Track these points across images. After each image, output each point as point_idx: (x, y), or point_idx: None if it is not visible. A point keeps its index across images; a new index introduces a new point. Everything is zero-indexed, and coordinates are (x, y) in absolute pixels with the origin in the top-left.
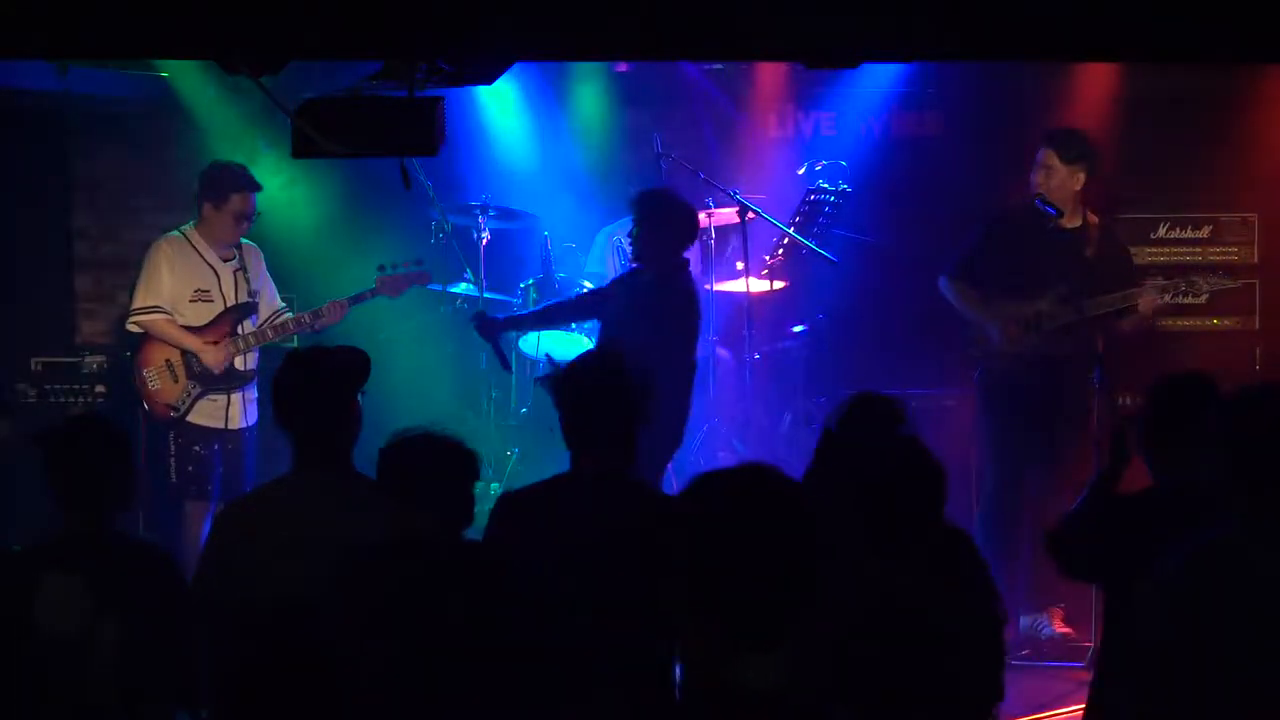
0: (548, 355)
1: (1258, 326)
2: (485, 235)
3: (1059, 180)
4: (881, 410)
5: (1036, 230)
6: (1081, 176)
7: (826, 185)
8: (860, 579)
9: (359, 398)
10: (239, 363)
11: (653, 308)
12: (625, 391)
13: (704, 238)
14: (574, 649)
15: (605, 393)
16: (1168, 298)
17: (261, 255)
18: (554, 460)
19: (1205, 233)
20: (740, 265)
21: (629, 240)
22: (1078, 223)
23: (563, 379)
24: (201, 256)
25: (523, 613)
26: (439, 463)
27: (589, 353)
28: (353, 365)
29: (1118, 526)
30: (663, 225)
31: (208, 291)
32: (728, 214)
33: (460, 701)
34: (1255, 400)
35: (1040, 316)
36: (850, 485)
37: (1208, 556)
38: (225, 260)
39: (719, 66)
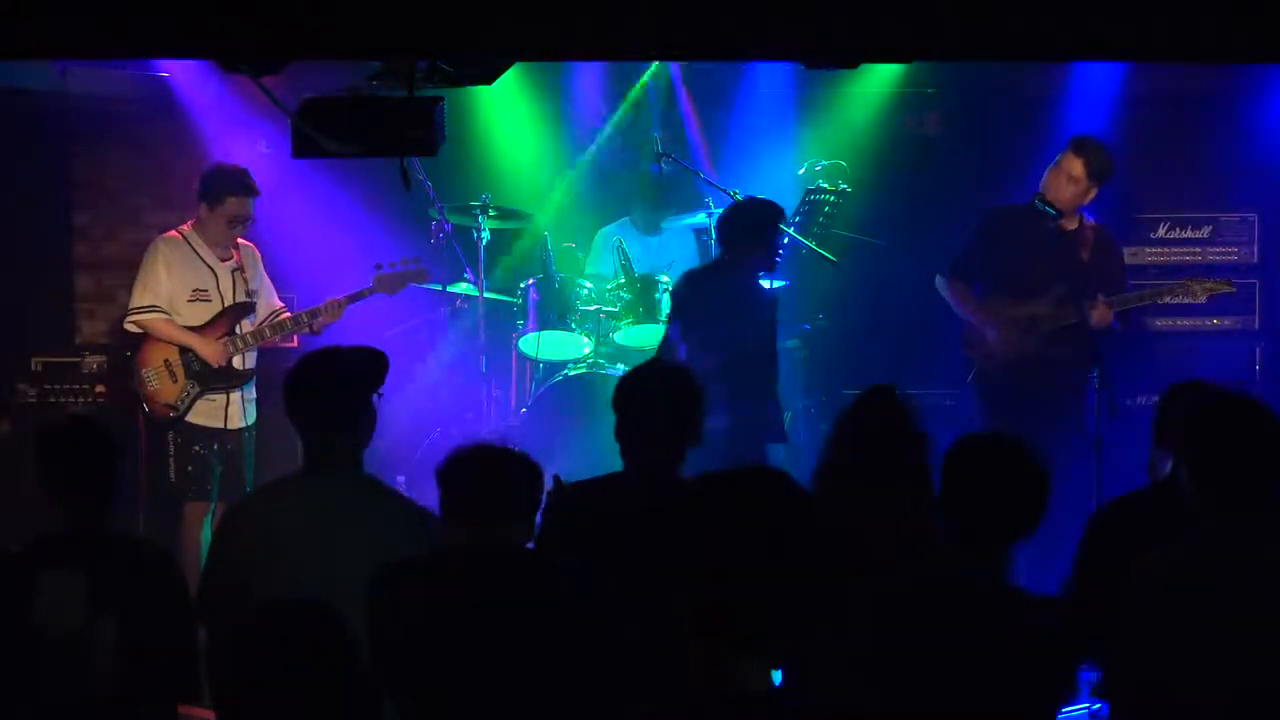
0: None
1: (1258, 326)
2: (485, 235)
3: (1079, 191)
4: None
5: (1033, 230)
6: (1095, 193)
7: (826, 185)
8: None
9: (375, 399)
10: (237, 362)
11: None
12: (681, 405)
13: (704, 237)
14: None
15: (662, 402)
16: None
17: (259, 255)
18: (554, 461)
19: (1205, 233)
20: None
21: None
22: (1074, 225)
23: (627, 383)
24: (199, 256)
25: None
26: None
27: (655, 361)
28: (369, 366)
29: (1108, 535)
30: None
31: (205, 291)
32: None
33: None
34: (1213, 403)
35: (1037, 319)
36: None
37: (1172, 561)
38: (223, 260)
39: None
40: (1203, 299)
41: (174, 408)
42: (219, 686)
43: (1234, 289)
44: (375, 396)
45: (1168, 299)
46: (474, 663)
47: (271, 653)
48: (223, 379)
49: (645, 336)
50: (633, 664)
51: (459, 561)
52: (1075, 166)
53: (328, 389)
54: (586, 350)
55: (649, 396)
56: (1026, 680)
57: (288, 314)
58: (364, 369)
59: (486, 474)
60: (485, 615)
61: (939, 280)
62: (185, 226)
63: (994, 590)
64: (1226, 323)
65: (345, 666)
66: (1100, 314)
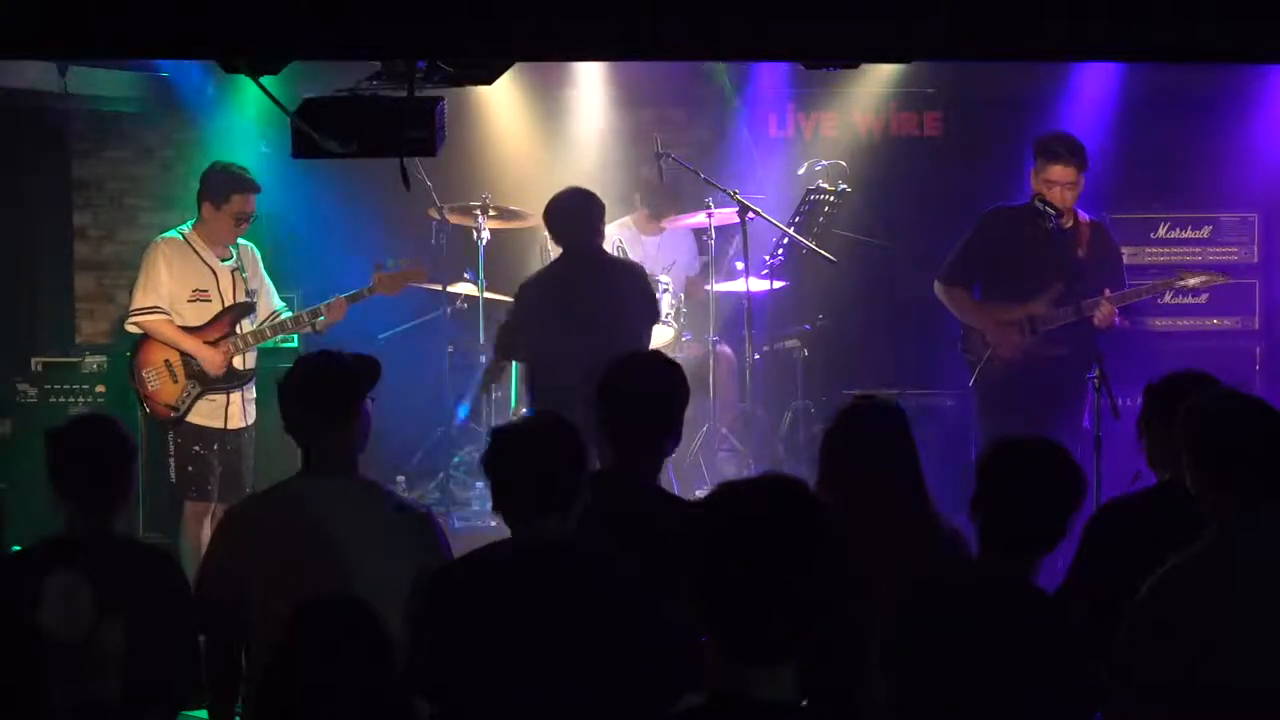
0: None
1: (1257, 326)
2: (485, 235)
3: (1078, 192)
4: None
5: (1027, 231)
6: (1073, 176)
7: (826, 185)
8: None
9: (368, 403)
10: (238, 362)
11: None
12: (668, 399)
13: (704, 237)
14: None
15: (649, 398)
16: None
17: (259, 255)
18: None
19: (1205, 233)
20: (740, 265)
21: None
22: (1070, 223)
23: (608, 376)
24: (200, 256)
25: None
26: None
27: (636, 354)
28: (361, 370)
29: (1107, 538)
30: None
31: (206, 291)
32: (728, 214)
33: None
34: (1217, 408)
35: (1034, 319)
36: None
37: (1184, 571)
38: (223, 260)
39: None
40: (1193, 286)
41: (174, 408)
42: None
43: (1229, 280)
44: (369, 400)
45: (1163, 290)
46: (525, 665)
47: (314, 649)
48: (223, 379)
49: None
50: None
51: (507, 560)
52: (1070, 174)
53: (323, 388)
54: None
55: (634, 395)
56: (1059, 685)
57: (288, 314)
58: (357, 371)
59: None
60: (537, 615)
61: (937, 286)
62: (185, 226)
63: (1025, 594)
64: (1226, 323)
65: (385, 664)
66: (1105, 312)
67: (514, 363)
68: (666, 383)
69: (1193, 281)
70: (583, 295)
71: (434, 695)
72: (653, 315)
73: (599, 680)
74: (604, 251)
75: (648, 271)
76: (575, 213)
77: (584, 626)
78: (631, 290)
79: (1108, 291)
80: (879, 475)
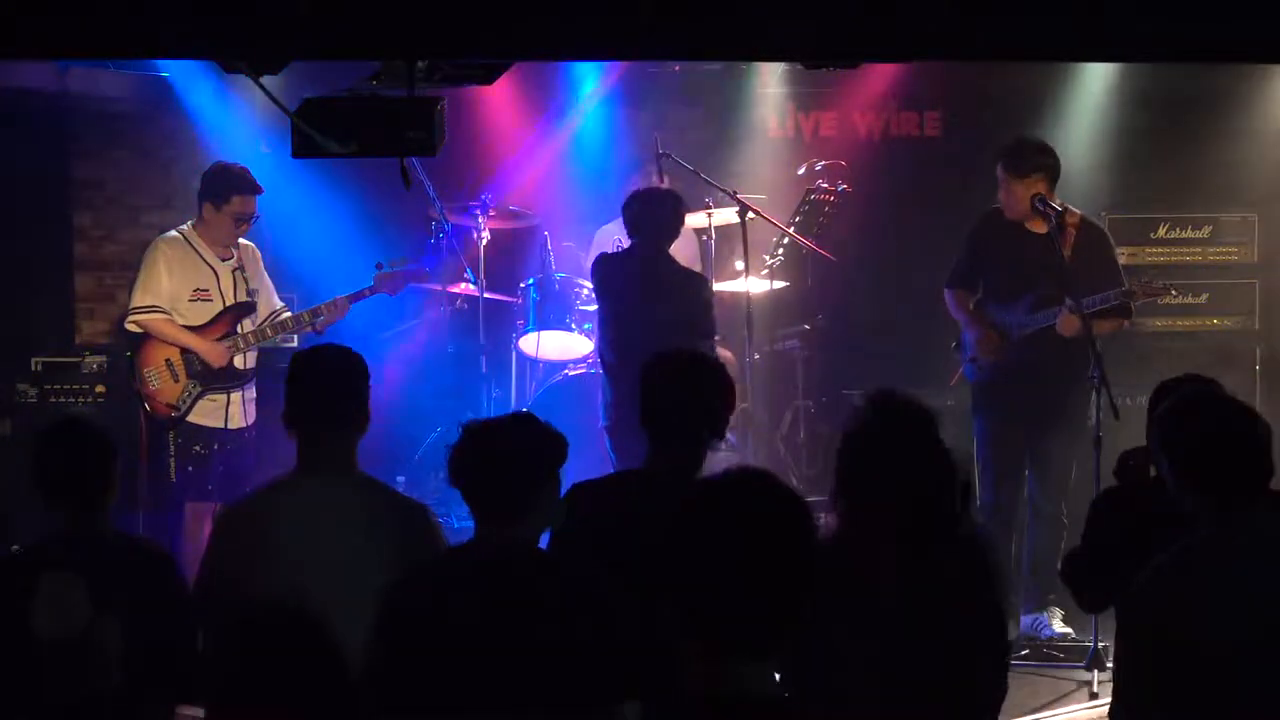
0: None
1: (1258, 326)
2: (485, 235)
3: (1019, 195)
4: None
5: (1014, 233)
6: (1042, 186)
7: (826, 185)
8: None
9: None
10: (239, 362)
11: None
12: (709, 394)
13: (704, 237)
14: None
15: (691, 392)
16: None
17: (259, 254)
18: None
19: (1205, 233)
20: (740, 265)
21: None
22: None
23: (652, 370)
24: (200, 256)
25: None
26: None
27: (680, 350)
28: (360, 366)
29: (1129, 525)
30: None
31: (206, 291)
32: (728, 214)
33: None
34: (1183, 410)
35: (1010, 325)
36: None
37: (1172, 568)
38: (224, 260)
39: (719, 66)
40: (1140, 299)
41: (175, 407)
42: (209, 689)
43: (1175, 295)
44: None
45: (1115, 302)
46: (484, 673)
47: (253, 657)
48: (224, 379)
49: None
50: (643, 666)
51: (469, 568)
52: (997, 170)
53: (326, 386)
54: (586, 350)
55: (679, 386)
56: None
57: (289, 313)
58: (357, 367)
59: (499, 458)
60: (496, 624)
61: (946, 293)
62: (185, 226)
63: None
64: (1227, 323)
65: (329, 675)
66: (1065, 322)
67: (514, 357)
68: (705, 381)
69: (1140, 293)
70: (637, 290)
71: (395, 708)
72: (703, 327)
73: (562, 687)
74: (669, 255)
75: None
76: (656, 211)
77: (546, 634)
78: (684, 296)
79: (1067, 300)
80: (908, 479)
